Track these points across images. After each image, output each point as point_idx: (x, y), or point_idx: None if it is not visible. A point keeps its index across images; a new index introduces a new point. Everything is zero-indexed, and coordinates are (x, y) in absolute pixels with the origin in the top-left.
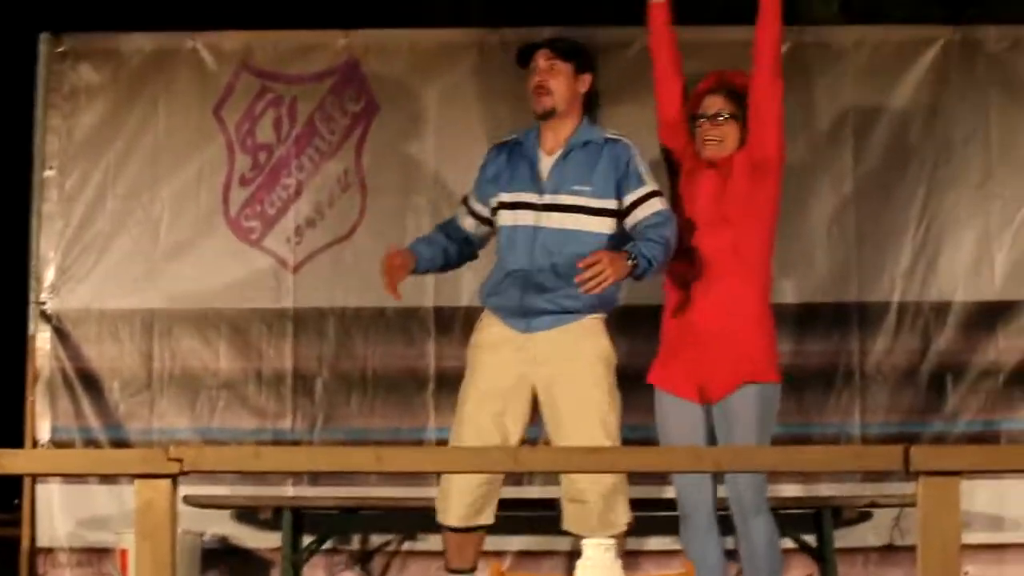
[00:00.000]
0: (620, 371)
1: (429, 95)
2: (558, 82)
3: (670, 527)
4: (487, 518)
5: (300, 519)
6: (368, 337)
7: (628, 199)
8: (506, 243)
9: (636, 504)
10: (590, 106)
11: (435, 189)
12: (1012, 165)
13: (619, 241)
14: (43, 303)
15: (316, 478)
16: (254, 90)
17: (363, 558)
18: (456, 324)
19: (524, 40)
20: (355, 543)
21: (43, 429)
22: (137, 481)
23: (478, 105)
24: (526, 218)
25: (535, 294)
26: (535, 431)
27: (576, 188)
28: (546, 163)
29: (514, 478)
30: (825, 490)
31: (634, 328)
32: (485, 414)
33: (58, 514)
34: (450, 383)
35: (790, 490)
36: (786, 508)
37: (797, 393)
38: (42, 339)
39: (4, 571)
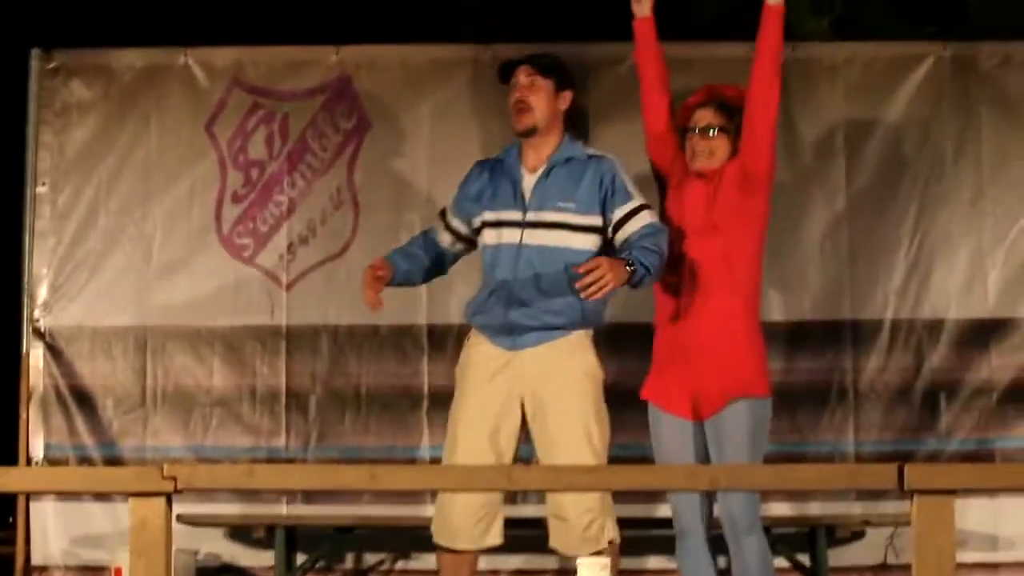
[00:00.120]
0: (612, 389)
1: (421, 112)
2: (538, 98)
3: (666, 546)
4: (494, 538)
5: (294, 537)
6: (362, 355)
7: (616, 214)
8: (490, 261)
9: (630, 523)
10: (572, 123)
11: (427, 206)
12: (1004, 182)
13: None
14: (36, 320)
15: (310, 496)
16: (246, 106)
17: None
18: (450, 342)
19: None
20: (349, 562)
21: (37, 446)
22: (132, 499)
23: (470, 122)
24: (510, 236)
25: (519, 311)
26: (527, 450)
27: (560, 205)
28: (528, 181)
29: (508, 497)
30: (818, 509)
31: (625, 346)
32: (477, 435)
33: (52, 532)
34: (444, 401)
35: (784, 509)
36: (780, 527)
37: (791, 411)
38: (35, 356)
39: None
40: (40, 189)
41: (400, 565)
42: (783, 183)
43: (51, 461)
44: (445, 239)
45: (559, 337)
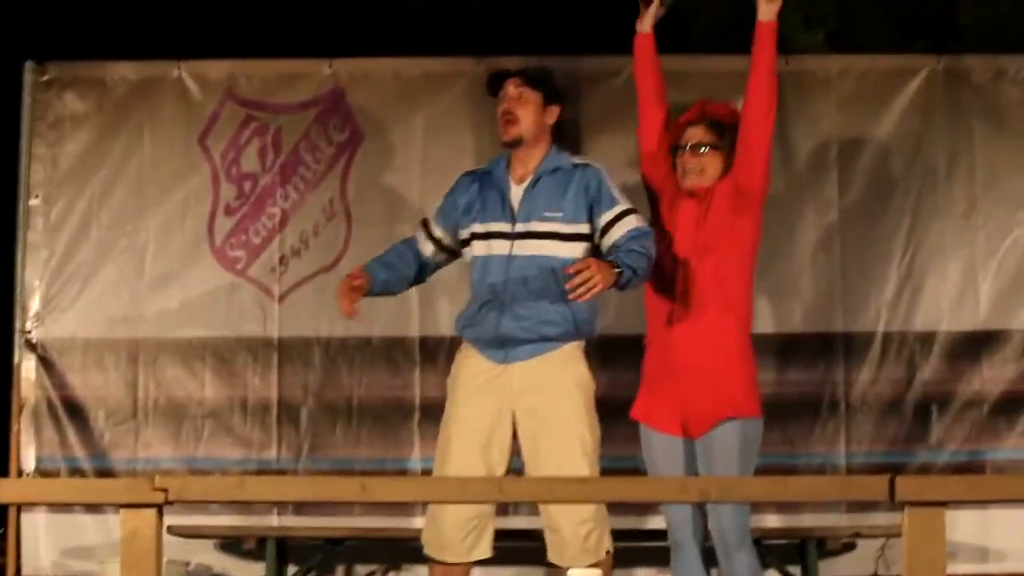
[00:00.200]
0: (604, 402)
1: (414, 124)
2: (526, 111)
3: (658, 557)
4: (483, 551)
5: (285, 549)
6: (353, 367)
7: (602, 220)
8: (480, 273)
9: (623, 535)
10: (565, 135)
11: (420, 218)
12: (997, 195)
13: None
14: (28, 332)
15: (301, 508)
16: (239, 119)
17: None
18: (441, 354)
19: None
20: (340, 573)
21: (28, 458)
22: (123, 510)
23: (463, 135)
24: (500, 247)
25: (511, 322)
26: (518, 462)
27: (548, 215)
28: (516, 192)
29: (500, 508)
30: (809, 520)
31: (616, 358)
32: (469, 447)
33: (43, 543)
34: (435, 413)
35: (774, 521)
36: (770, 539)
37: (782, 422)
38: (27, 368)
39: None
40: (33, 201)
41: None
42: (776, 195)
43: (42, 472)
44: (427, 249)
45: (551, 350)
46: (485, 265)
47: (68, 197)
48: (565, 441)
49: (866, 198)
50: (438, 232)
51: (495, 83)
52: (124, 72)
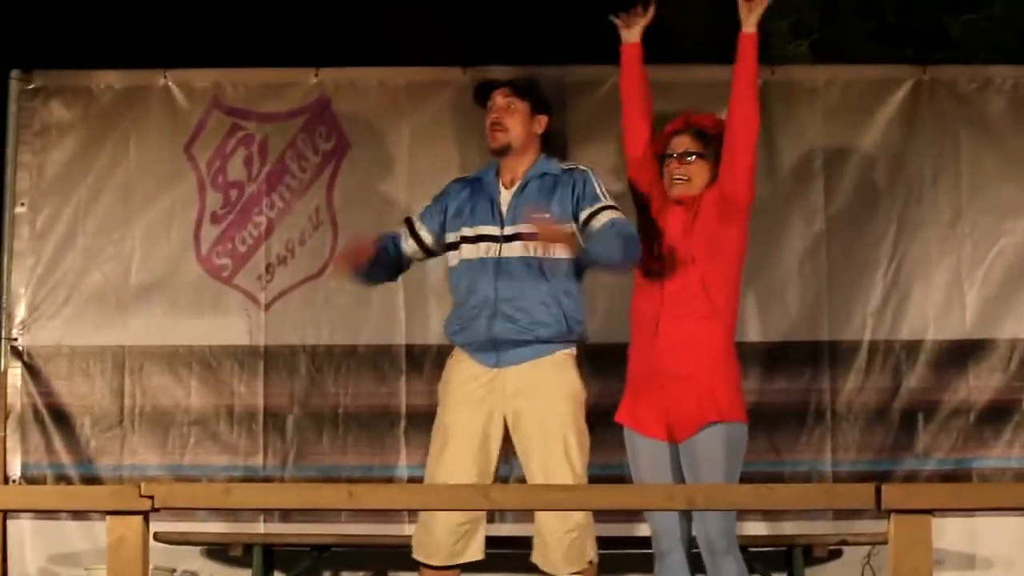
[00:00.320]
0: (591, 409)
1: (400, 133)
2: (514, 120)
3: (645, 565)
4: (473, 555)
5: (271, 556)
6: (339, 374)
7: (583, 214)
8: (469, 276)
9: (609, 542)
10: (551, 144)
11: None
12: (983, 204)
13: (580, 266)
14: (14, 339)
15: (287, 515)
16: (225, 128)
17: None
18: (427, 362)
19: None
20: None
21: (14, 465)
22: (109, 517)
23: (449, 144)
24: (489, 250)
25: (501, 324)
26: (507, 468)
27: (536, 217)
28: (505, 196)
29: (488, 515)
30: (795, 528)
31: (605, 366)
32: (461, 453)
33: (29, 550)
34: (422, 420)
35: (761, 528)
36: (757, 546)
37: (768, 430)
38: (13, 375)
39: None
40: (19, 209)
41: None
42: (762, 204)
43: (28, 480)
44: (409, 246)
45: (544, 354)
46: (473, 268)
47: (54, 205)
48: (552, 448)
49: (852, 207)
50: (422, 231)
51: (483, 93)
52: (110, 80)
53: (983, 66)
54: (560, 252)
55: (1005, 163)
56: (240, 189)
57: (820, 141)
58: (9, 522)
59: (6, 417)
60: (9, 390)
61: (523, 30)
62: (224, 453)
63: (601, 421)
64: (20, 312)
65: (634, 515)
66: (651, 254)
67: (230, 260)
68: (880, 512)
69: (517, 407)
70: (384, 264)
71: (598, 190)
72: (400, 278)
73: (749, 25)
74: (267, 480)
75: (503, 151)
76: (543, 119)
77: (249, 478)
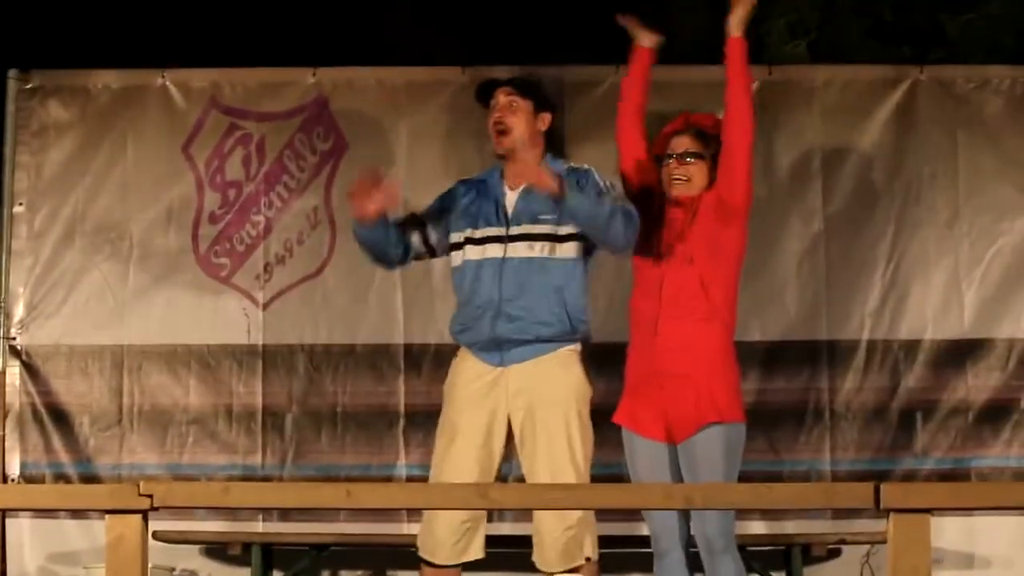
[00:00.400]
0: (593, 408)
1: (398, 133)
2: (517, 119)
3: (646, 564)
4: (474, 553)
5: (270, 555)
6: (338, 374)
7: None
8: (473, 277)
9: (609, 541)
10: (552, 144)
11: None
12: (980, 204)
13: (585, 267)
14: (12, 338)
15: (286, 514)
16: (223, 127)
17: None
18: (426, 361)
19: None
20: None
21: (13, 464)
22: (108, 516)
23: (447, 143)
24: (494, 251)
25: (505, 324)
26: (506, 468)
27: (541, 217)
28: (510, 198)
29: (488, 514)
30: (794, 527)
31: (606, 366)
32: (465, 451)
33: (28, 548)
34: (420, 420)
35: (759, 527)
36: (755, 545)
37: (767, 430)
38: (11, 374)
39: None
40: (17, 209)
41: None
42: (760, 204)
43: (27, 478)
44: (415, 238)
45: (547, 352)
46: (479, 269)
47: (52, 204)
48: (556, 447)
49: (850, 207)
50: (428, 227)
51: (485, 92)
52: (108, 80)
53: (980, 66)
54: (543, 187)
55: (1003, 163)
56: (238, 189)
57: (818, 141)
58: (8, 521)
59: (5, 416)
60: (8, 389)
61: (521, 30)
62: (223, 452)
63: (602, 420)
64: (18, 311)
65: (634, 514)
66: (649, 255)
67: (228, 260)
68: (879, 511)
69: (521, 405)
70: (391, 239)
71: (600, 184)
72: (399, 278)
73: (735, 29)
74: (266, 479)
75: (508, 155)
76: (547, 117)
77: (248, 477)
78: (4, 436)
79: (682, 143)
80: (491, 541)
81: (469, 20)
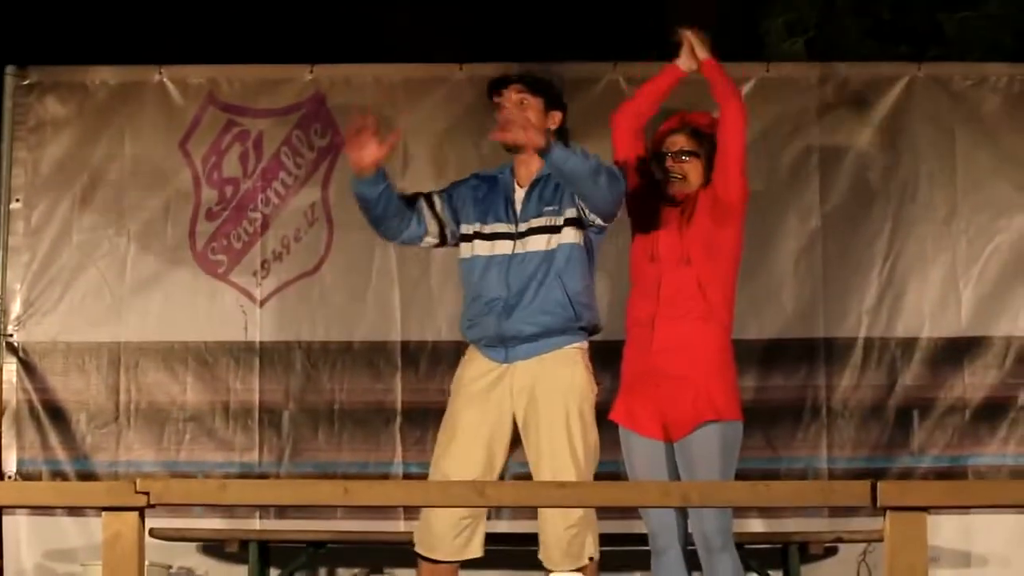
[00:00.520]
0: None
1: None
2: (527, 117)
3: (642, 562)
4: (474, 551)
5: (267, 552)
6: (335, 371)
7: None
8: (481, 273)
9: (608, 539)
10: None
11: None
12: (978, 201)
13: (587, 251)
14: (9, 335)
15: (283, 511)
16: (220, 124)
17: None
18: (423, 358)
19: (490, 76)
20: None
21: (9, 461)
22: (105, 513)
23: (444, 140)
24: (503, 247)
25: (511, 321)
26: (515, 465)
27: (546, 210)
28: (519, 194)
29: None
30: (791, 525)
31: (606, 364)
32: (470, 448)
33: (25, 546)
34: (417, 417)
35: (756, 525)
36: (752, 543)
37: (764, 427)
38: (8, 371)
39: None
40: (14, 205)
41: None
42: (758, 202)
43: (24, 476)
44: (426, 214)
45: (552, 348)
46: (487, 265)
47: (49, 201)
48: (556, 444)
49: (848, 204)
50: (439, 206)
51: (496, 88)
52: (105, 76)
53: (978, 63)
54: (530, 143)
55: (1000, 160)
56: (235, 185)
57: (815, 139)
58: (5, 518)
59: (1, 413)
60: (4, 386)
61: (519, 27)
62: (220, 449)
63: (600, 418)
64: (15, 308)
65: (632, 511)
66: (646, 255)
67: (225, 256)
68: (876, 509)
69: (525, 403)
70: (393, 203)
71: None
72: (396, 275)
73: (700, 55)
74: (263, 476)
75: (516, 148)
76: (557, 115)
77: (245, 474)
78: (1, 433)
79: (678, 141)
80: (488, 538)
81: (467, 17)
